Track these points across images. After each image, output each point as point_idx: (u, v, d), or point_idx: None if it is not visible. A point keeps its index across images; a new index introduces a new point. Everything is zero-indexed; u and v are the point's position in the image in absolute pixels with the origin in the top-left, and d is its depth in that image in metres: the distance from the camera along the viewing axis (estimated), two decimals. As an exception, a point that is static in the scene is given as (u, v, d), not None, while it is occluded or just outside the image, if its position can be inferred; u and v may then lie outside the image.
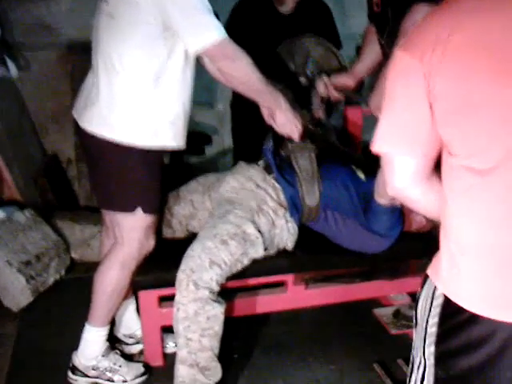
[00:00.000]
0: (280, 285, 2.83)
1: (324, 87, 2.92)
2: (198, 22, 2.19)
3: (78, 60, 4.07)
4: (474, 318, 1.29)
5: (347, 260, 2.80)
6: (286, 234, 2.69)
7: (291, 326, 3.08)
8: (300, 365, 2.81)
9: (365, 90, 3.11)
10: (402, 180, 1.39)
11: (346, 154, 2.94)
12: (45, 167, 4.19)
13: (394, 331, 2.96)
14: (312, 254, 2.81)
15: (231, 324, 2.53)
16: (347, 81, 2.90)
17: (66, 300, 3.30)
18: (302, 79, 2.89)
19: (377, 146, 1.39)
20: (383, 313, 3.11)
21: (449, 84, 1.23)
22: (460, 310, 1.31)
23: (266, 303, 2.82)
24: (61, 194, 4.19)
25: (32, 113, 4.31)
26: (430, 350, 1.39)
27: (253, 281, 2.74)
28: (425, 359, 1.42)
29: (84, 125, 2.41)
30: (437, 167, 1.40)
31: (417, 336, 1.45)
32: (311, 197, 2.65)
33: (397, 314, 3.05)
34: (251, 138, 3.85)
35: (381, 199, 2.55)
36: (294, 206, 2.68)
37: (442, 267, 1.36)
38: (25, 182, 3.84)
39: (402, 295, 3.14)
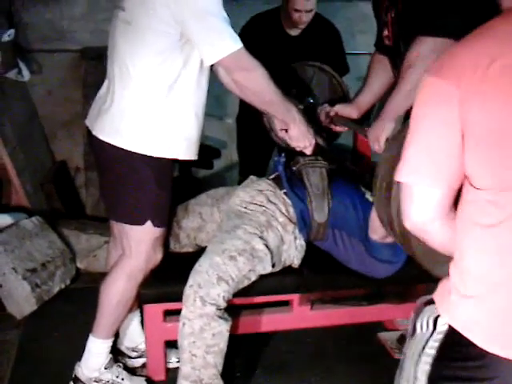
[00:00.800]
0: (285, 304, 2.82)
1: (325, 117, 2.90)
2: (214, 32, 2.19)
3: (90, 66, 4.09)
4: (479, 353, 1.27)
5: (354, 281, 2.79)
6: (293, 251, 2.68)
7: (295, 346, 3.07)
8: (302, 386, 2.80)
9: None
10: (422, 212, 1.35)
11: (356, 174, 2.93)
12: (53, 174, 4.19)
13: (398, 356, 2.94)
14: (319, 274, 2.79)
15: (234, 341, 2.52)
16: (351, 112, 2.85)
17: (70, 310, 3.29)
18: (303, 105, 2.86)
19: (403, 176, 1.35)
20: (388, 337, 3.09)
21: (485, 111, 1.19)
22: (466, 343, 1.29)
23: (271, 322, 2.81)
24: (68, 202, 4.19)
25: (42, 118, 4.32)
26: (425, 368, 1.38)
27: (258, 299, 2.73)
28: (416, 375, 1.40)
29: (96, 133, 2.41)
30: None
31: (412, 347, 1.43)
32: (320, 213, 2.64)
33: (401, 340, 3.02)
34: (257, 153, 3.87)
35: (374, 235, 2.55)
36: (303, 221, 2.67)
37: (451, 299, 1.34)
38: (33, 188, 3.85)
39: (407, 320, 3.11)
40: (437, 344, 1.35)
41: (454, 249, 1.37)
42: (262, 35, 3.52)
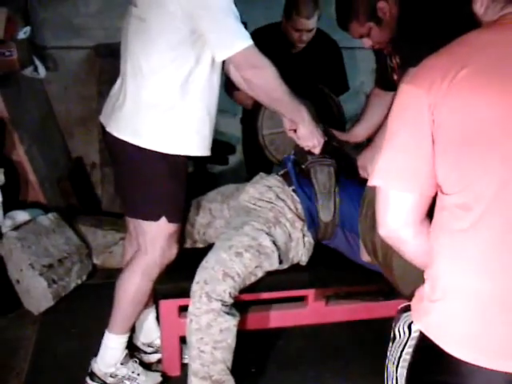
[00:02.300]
0: (300, 299, 2.82)
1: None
2: (225, 29, 2.20)
3: (105, 62, 4.11)
4: (449, 360, 1.30)
5: (369, 277, 2.78)
6: (301, 248, 2.68)
7: (310, 341, 3.07)
8: (317, 381, 2.80)
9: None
10: (396, 218, 1.38)
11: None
12: (69, 170, 4.22)
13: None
14: (334, 269, 2.79)
15: (249, 337, 2.53)
16: (346, 138, 2.89)
17: (87, 305, 3.31)
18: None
19: (375, 180, 1.39)
20: (403, 332, 3.08)
21: (452, 116, 1.24)
22: (436, 350, 1.32)
23: (286, 317, 2.81)
24: (84, 198, 4.21)
25: (58, 114, 4.35)
26: (403, 371, 1.44)
27: (273, 294, 2.73)
28: (397, 377, 1.46)
29: (110, 130, 2.42)
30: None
31: (393, 351, 1.48)
32: (326, 212, 2.63)
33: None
34: (261, 155, 3.86)
35: (364, 257, 2.55)
36: (311, 219, 2.66)
37: (422, 305, 1.37)
38: (49, 184, 3.87)
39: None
40: (411, 350, 1.40)
41: (427, 260, 1.40)
42: (262, 50, 3.48)
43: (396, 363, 1.45)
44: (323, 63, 3.50)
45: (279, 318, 2.79)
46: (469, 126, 1.23)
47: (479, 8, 1.39)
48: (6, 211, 3.38)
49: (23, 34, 3.66)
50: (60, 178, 4.07)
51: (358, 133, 2.91)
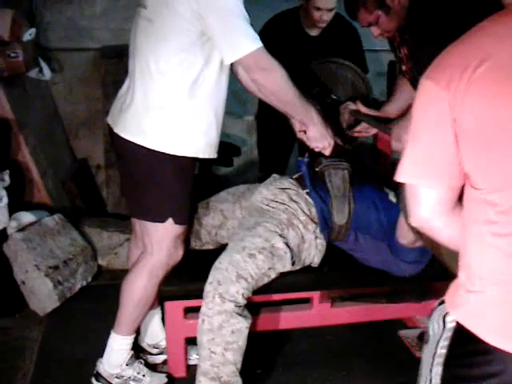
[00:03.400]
0: (306, 301, 2.83)
1: (348, 114, 2.89)
2: (234, 31, 2.19)
3: (110, 64, 4.12)
4: (487, 349, 1.27)
5: (374, 279, 2.79)
6: (313, 250, 2.68)
7: (315, 343, 3.07)
8: (322, 383, 2.79)
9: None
10: (426, 211, 1.37)
11: (379, 174, 2.92)
12: (74, 172, 4.23)
13: (418, 354, 2.93)
14: (339, 271, 2.80)
15: (255, 338, 2.52)
16: (377, 115, 2.89)
17: (92, 307, 3.31)
18: (327, 102, 2.85)
19: (402, 177, 1.37)
20: (408, 334, 3.09)
21: (474, 113, 1.21)
22: (473, 339, 1.29)
23: (291, 319, 2.82)
24: (89, 200, 4.22)
25: (63, 116, 4.36)
26: (438, 369, 1.38)
27: (279, 296, 2.73)
28: (431, 377, 1.41)
29: (118, 131, 2.42)
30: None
31: (427, 352, 1.44)
32: (340, 215, 2.64)
33: (422, 337, 3.01)
34: (277, 150, 3.86)
35: (402, 240, 2.53)
36: (325, 222, 2.66)
37: (458, 294, 1.35)
38: (55, 186, 3.88)
39: (428, 317, 3.10)
40: (447, 343, 1.36)
41: (459, 244, 1.39)
42: (281, 35, 3.50)
43: (430, 363, 1.41)
44: (342, 46, 3.52)
45: (285, 319, 2.79)
46: (490, 125, 1.20)
47: None
48: (11, 213, 3.38)
49: (28, 35, 3.66)
50: (65, 179, 4.07)
51: (389, 111, 2.90)
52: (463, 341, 1.32)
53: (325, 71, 3.12)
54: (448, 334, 1.35)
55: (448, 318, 1.36)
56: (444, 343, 1.36)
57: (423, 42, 2.45)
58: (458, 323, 1.33)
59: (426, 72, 1.31)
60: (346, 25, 3.59)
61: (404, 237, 2.51)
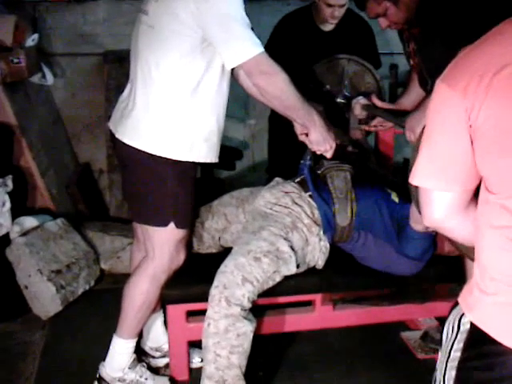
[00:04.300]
0: (308, 304, 2.83)
1: (360, 108, 2.90)
2: (235, 36, 2.20)
3: (112, 69, 4.13)
4: (502, 351, 1.26)
5: (376, 281, 2.79)
6: (317, 253, 2.69)
7: (318, 346, 3.07)
8: (325, 386, 2.80)
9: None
10: (439, 212, 1.37)
11: (381, 175, 2.92)
12: (77, 176, 4.23)
13: (420, 355, 2.94)
14: (341, 274, 2.80)
15: (257, 341, 2.53)
16: (390, 107, 2.89)
17: (95, 311, 3.33)
18: (339, 99, 2.86)
19: (416, 180, 1.37)
20: (410, 336, 3.08)
21: (491, 120, 1.19)
22: (488, 341, 1.28)
23: (293, 322, 2.82)
24: (92, 204, 4.23)
25: (66, 121, 4.37)
26: (451, 373, 1.36)
27: (280, 299, 2.74)
28: (444, 382, 1.39)
29: (119, 136, 2.43)
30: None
31: (441, 357, 1.43)
32: (343, 216, 2.65)
33: (425, 337, 3.02)
34: (287, 152, 3.86)
35: (417, 225, 2.53)
36: (328, 224, 2.68)
37: (473, 295, 1.34)
38: (57, 190, 3.89)
39: (430, 319, 3.11)
40: (461, 345, 1.34)
41: (473, 241, 1.38)
42: (295, 33, 3.50)
43: (444, 366, 1.39)
44: (356, 41, 3.52)
45: (287, 322, 2.79)
46: (507, 132, 1.19)
47: None
48: (14, 217, 3.39)
49: (31, 41, 3.68)
50: (68, 183, 4.08)
51: (404, 103, 2.90)
52: (478, 342, 1.31)
53: (334, 68, 3.13)
54: (463, 335, 1.34)
55: (463, 320, 1.35)
56: (458, 346, 1.35)
57: (430, 39, 2.46)
58: (472, 324, 1.32)
59: (442, 75, 1.30)
60: (360, 20, 3.58)
61: (418, 222, 2.49)
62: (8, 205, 3.30)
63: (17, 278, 3.31)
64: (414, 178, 1.37)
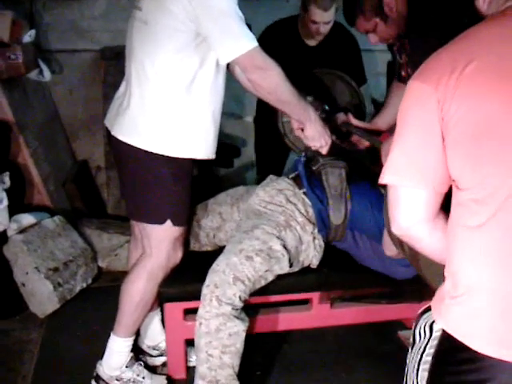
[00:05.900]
0: (305, 302, 2.83)
1: (340, 125, 2.89)
2: (229, 32, 2.20)
3: (110, 65, 4.12)
4: (475, 357, 1.27)
5: (374, 280, 2.79)
6: (312, 251, 2.68)
7: (315, 344, 3.07)
8: (323, 384, 2.80)
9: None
10: (408, 216, 1.36)
11: (376, 175, 2.91)
12: (75, 174, 4.22)
13: (418, 354, 2.93)
14: (339, 272, 2.79)
15: (254, 340, 2.53)
16: (366, 126, 2.88)
17: (92, 309, 3.32)
18: (319, 113, 2.84)
19: (386, 178, 1.37)
20: (408, 335, 3.05)
21: (462, 111, 1.22)
22: (461, 348, 1.29)
23: (291, 320, 2.82)
24: (89, 201, 4.22)
25: (63, 117, 4.36)
26: (424, 375, 1.38)
27: (278, 297, 2.74)
28: (417, 382, 1.41)
29: (115, 133, 2.42)
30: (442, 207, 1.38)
31: (413, 355, 1.43)
32: (337, 214, 2.64)
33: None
34: (274, 153, 3.86)
35: (388, 252, 2.54)
36: (322, 222, 2.67)
37: (444, 303, 1.35)
38: (55, 188, 3.88)
39: (428, 318, 3.10)
40: (433, 350, 1.35)
41: (442, 254, 1.38)
42: (279, 45, 3.47)
43: (416, 368, 1.40)
44: (341, 56, 3.50)
45: (284, 321, 2.79)
46: (479, 122, 1.21)
47: (482, 4, 1.38)
48: (11, 214, 3.38)
49: (28, 37, 3.67)
50: (65, 180, 4.07)
51: (380, 124, 2.90)
52: (450, 349, 1.32)
53: (318, 82, 3.11)
54: (434, 342, 1.36)
55: (435, 327, 1.36)
56: (430, 351, 1.36)
57: (421, 51, 2.45)
58: (444, 331, 1.33)
59: (413, 75, 1.34)
60: (345, 34, 3.56)
61: (388, 249, 2.52)
62: (5, 202, 3.29)
63: (14, 275, 3.30)
64: (385, 176, 1.37)
